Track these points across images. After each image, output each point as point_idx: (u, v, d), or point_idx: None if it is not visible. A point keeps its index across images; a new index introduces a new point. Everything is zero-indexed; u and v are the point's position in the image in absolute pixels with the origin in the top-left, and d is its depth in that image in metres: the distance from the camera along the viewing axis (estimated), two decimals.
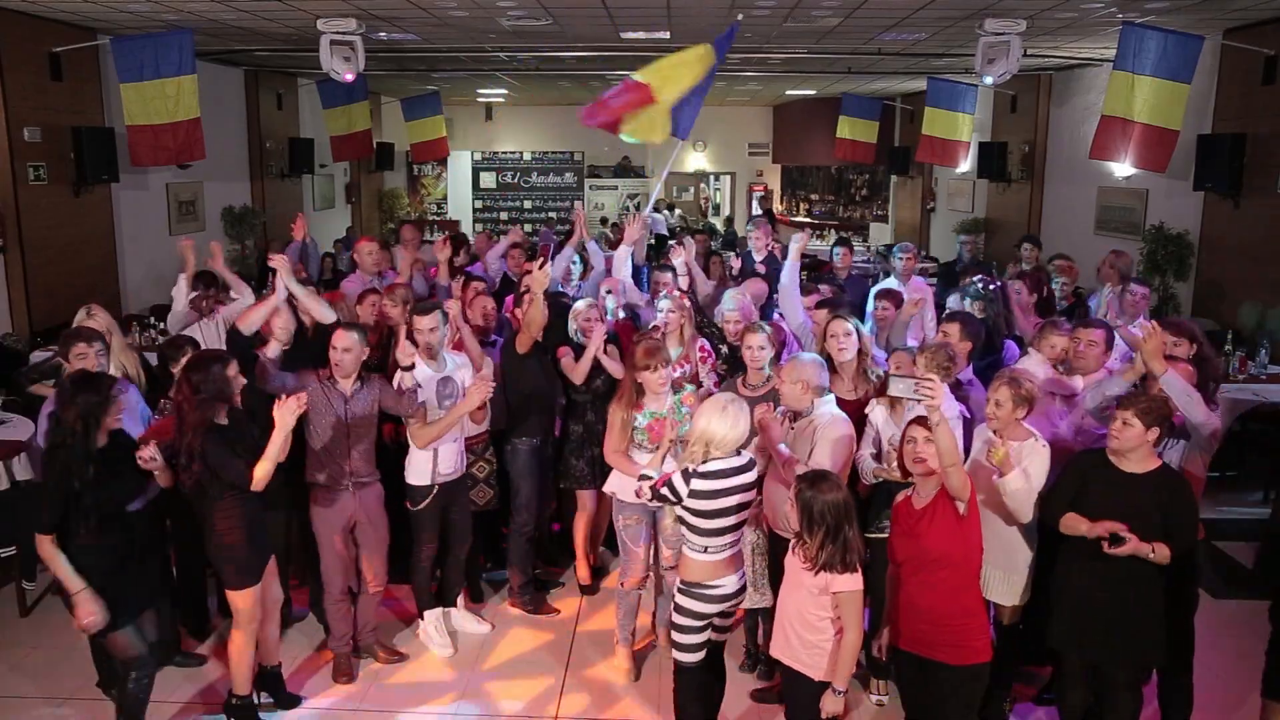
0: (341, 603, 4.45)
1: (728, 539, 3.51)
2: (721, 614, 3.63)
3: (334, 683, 4.43)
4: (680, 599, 3.57)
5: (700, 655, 3.62)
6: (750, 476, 3.54)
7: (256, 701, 4.14)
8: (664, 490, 3.49)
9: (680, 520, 3.55)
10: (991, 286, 5.70)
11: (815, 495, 3.18)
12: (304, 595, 4.98)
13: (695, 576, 3.52)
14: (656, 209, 17.60)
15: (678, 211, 18.67)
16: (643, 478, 3.67)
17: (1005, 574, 3.77)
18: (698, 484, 3.42)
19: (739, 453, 3.53)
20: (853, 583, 3.19)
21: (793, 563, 3.32)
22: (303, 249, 6.73)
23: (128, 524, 3.70)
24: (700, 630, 3.58)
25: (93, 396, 3.51)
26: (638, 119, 5.34)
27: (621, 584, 4.52)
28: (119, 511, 3.65)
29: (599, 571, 5.49)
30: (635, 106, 5.31)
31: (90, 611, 3.52)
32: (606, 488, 4.53)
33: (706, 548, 3.49)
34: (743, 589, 3.62)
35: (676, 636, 3.61)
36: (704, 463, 3.44)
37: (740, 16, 6.18)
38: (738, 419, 3.42)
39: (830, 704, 3.25)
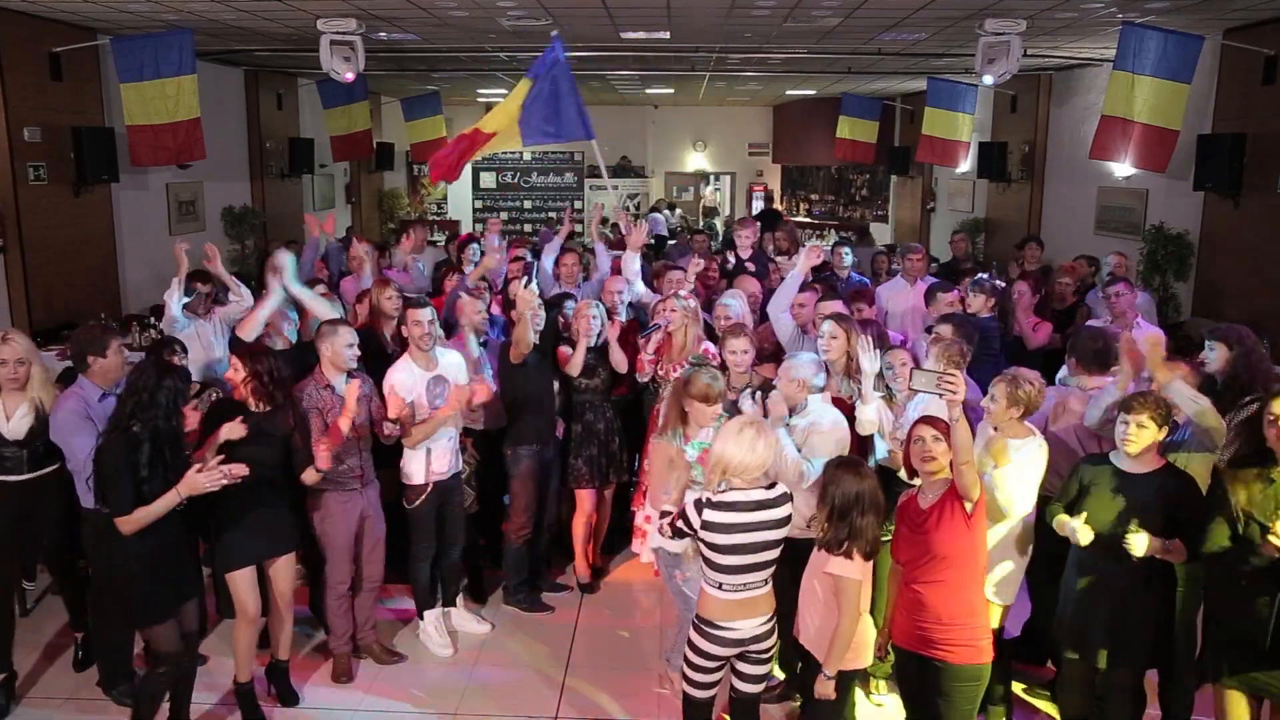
0: (344, 600, 4.45)
1: (746, 578, 3.26)
2: (743, 658, 3.38)
3: (334, 682, 4.44)
4: (692, 633, 3.37)
5: (707, 693, 3.45)
6: (780, 513, 3.27)
7: (260, 690, 4.21)
8: (680, 524, 3.29)
9: (699, 551, 3.35)
10: (999, 284, 5.73)
11: (835, 475, 3.27)
12: (303, 594, 4.97)
13: (707, 613, 3.31)
14: (656, 208, 17.60)
15: (678, 211, 18.67)
16: (662, 514, 3.43)
17: (997, 571, 3.75)
18: (710, 514, 3.20)
19: (771, 486, 3.31)
20: (847, 568, 3.20)
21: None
22: (324, 248, 6.71)
23: (170, 517, 3.62)
24: (711, 671, 3.38)
25: (180, 383, 3.62)
26: (483, 149, 5.97)
27: None
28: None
29: (598, 571, 5.49)
30: (472, 149, 5.89)
31: (223, 472, 3.49)
32: (653, 544, 4.03)
33: (721, 584, 3.27)
34: (765, 635, 3.34)
35: (686, 669, 3.43)
36: (721, 491, 3.24)
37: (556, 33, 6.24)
38: (755, 443, 3.18)
39: (820, 687, 3.30)
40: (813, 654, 3.42)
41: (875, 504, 3.24)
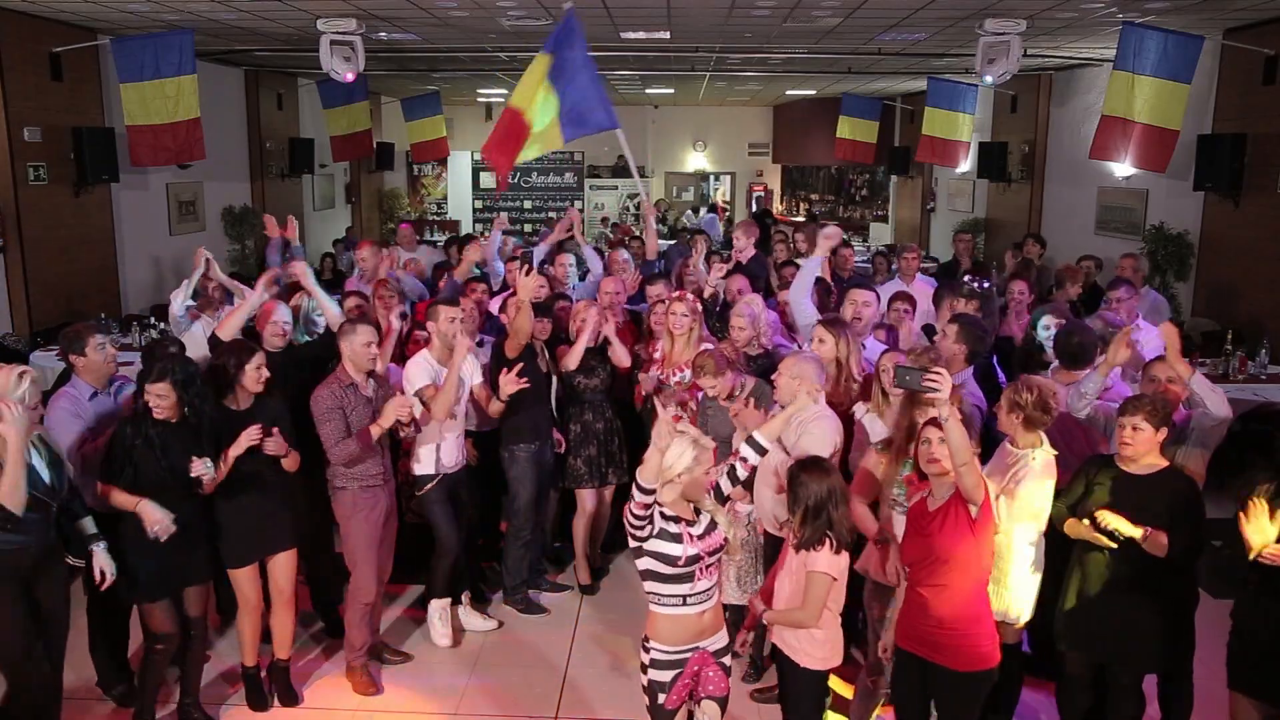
0: (368, 610, 4.38)
1: None
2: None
3: (356, 693, 4.36)
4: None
5: None
6: None
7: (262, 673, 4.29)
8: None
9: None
10: (985, 285, 5.69)
11: (802, 478, 3.32)
12: (304, 593, 4.96)
13: None
14: (712, 208, 17.76)
15: (687, 212, 18.66)
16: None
17: (995, 587, 3.71)
18: None
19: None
20: (829, 563, 3.26)
21: (786, 546, 3.42)
22: (285, 247, 6.56)
23: (177, 502, 3.72)
24: None
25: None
26: (529, 146, 5.63)
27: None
28: (173, 486, 3.71)
29: (598, 572, 5.49)
30: (520, 138, 5.58)
31: (157, 519, 3.63)
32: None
33: None
34: None
35: None
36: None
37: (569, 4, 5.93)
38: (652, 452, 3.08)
39: (752, 607, 3.42)
40: (793, 657, 3.43)
41: (845, 496, 3.36)
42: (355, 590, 4.32)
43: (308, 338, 5.12)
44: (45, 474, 3.43)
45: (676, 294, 5.34)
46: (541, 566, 5.41)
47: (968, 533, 3.19)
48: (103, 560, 3.64)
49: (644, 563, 3.09)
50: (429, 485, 4.61)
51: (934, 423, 3.32)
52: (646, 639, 3.18)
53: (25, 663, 3.46)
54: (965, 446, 3.08)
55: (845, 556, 3.32)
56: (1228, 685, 3.41)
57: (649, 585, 3.11)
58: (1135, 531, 3.33)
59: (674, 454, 3.04)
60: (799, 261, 7.72)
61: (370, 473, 4.25)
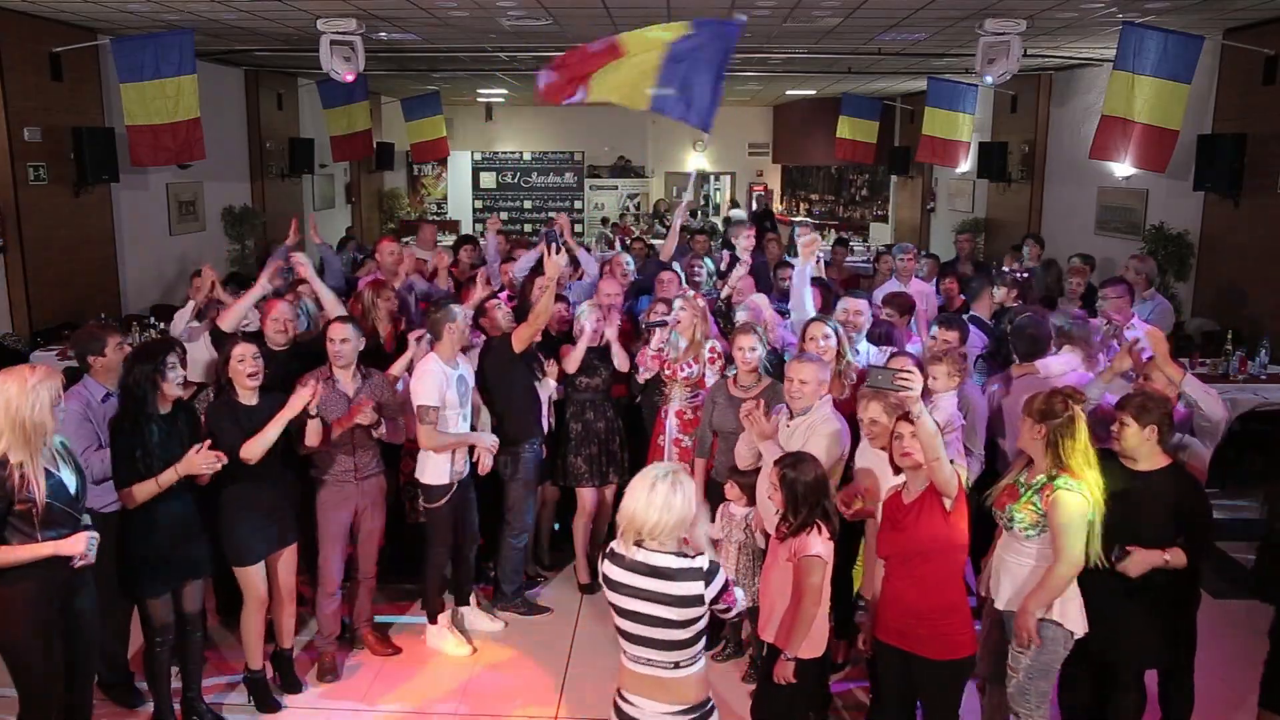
0: (335, 598, 4.47)
1: (642, 651, 2.91)
2: None
3: (319, 681, 4.45)
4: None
5: None
6: (677, 589, 2.73)
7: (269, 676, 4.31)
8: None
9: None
10: (1024, 275, 5.81)
11: (798, 476, 3.40)
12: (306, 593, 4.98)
13: (618, 680, 3.06)
14: (736, 204, 17.84)
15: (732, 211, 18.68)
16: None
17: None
18: (608, 568, 2.90)
19: (686, 555, 2.77)
20: (822, 548, 3.34)
21: (773, 540, 3.50)
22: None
23: (183, 497, 3.80)
24: None
25: (148, 365, 3.72)
26: (604, 78, 5.11)
27: None
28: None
29: (599, 571, 5.49)
30: (601, 61, 5.13)
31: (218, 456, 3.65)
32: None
33: (624, 650, 2.98)
34: None
35: None
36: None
37: (744, 17, 5.85)
38: (669, 499, 2.69)
39: (779, 669, 3.39)
40: (776, 645, 3.50)
41: (828, 484, 3.50)
42: (320, 579, 4.45)
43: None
44: (72, 485, 3.29)
45: (662, 295, 5.40)
46: (538, 567, 5.44)
47: (942, 524, 3.25)
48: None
49: (700, 625, 2.86)
50: (443, 500, 4.52)
51: (906, 418, 3.34)
52: (708, 703, 2.91)
53: (43, 680, 3.35)
54: (937, 442, 3.13)
55: (832, 544, 3.41)
56: (1260, 704, 3.43)
57: (701, 646, 2.89)
58: (1158, 559, 3.34)
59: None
60: (792, 261, 7.74)
61: (339, 469, 4.33)
